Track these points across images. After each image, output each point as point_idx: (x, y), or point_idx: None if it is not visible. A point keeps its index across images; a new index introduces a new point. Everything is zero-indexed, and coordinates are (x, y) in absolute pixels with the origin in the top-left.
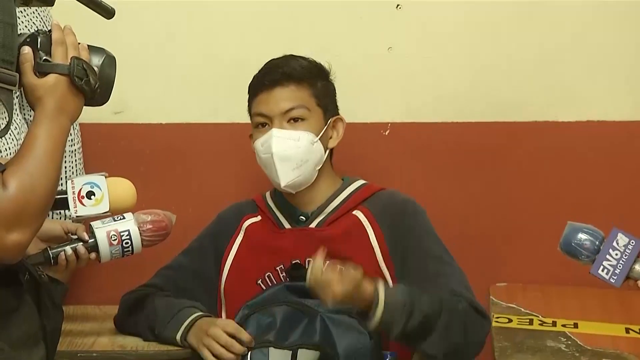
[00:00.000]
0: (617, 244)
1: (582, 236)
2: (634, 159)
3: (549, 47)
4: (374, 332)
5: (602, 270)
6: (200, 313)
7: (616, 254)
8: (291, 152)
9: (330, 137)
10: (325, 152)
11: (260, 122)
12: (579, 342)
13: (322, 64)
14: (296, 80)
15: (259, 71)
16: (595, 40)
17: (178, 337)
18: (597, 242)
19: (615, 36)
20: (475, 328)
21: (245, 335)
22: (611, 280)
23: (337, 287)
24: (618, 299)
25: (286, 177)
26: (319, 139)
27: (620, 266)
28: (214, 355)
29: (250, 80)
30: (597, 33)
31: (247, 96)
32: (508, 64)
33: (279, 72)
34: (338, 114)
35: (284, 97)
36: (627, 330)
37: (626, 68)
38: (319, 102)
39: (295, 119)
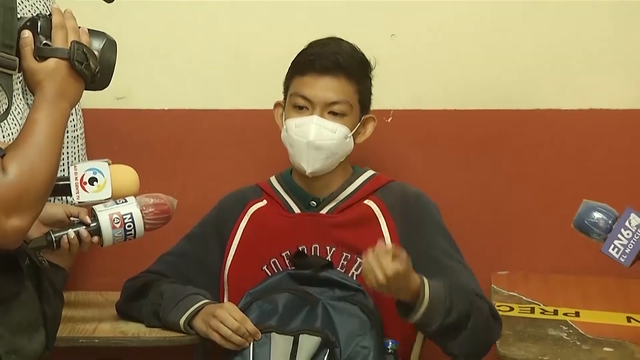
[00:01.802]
0: (630, 223)
1: (595, 214)
2: (636, 147)
3: (553, 36)
4: (415, 324)
5: (613, 249)
6: (207, 300)
7: (628, 234)
8: (326, 143)
9: (359, 134)
10: (352, 147)
11: (300, 105)
12: (580, 330)
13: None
14: (348, 73)
15: (308, 50)
16: (598, 29)
17: (182, 322)
18: (609, 221)
19: (617, 25)
20: (493, 331)
21: (250, 326)
22: (621, 259)
23: (390, 264)
24: (619, 287)
25: (314, 165)
26: (352, 134)
27: (631, 246)
28: (222, 336)
29: (295, 56)
30: (599, 22)
31: (288, 70)
32: (511, 51)
33: (331, 60)
34: (370, 112)
35: (332, 88)
36: (629, 319)
37: (628, 57)
38: (360, 99)
39: (336, 113)
